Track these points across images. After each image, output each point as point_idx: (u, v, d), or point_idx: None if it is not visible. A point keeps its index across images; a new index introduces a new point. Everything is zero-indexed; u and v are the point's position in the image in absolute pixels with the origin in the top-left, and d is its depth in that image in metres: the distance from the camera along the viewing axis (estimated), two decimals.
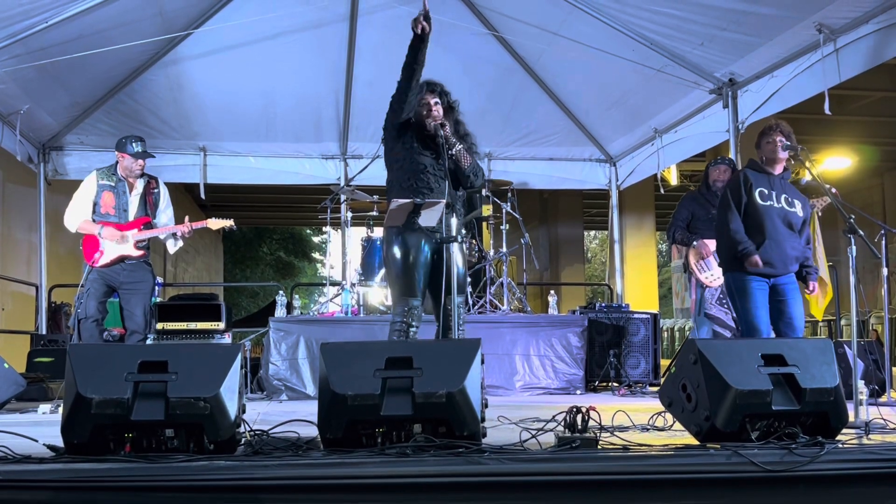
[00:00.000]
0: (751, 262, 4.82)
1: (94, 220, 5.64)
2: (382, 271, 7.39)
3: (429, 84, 4.58)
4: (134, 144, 5.67)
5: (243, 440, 3.12)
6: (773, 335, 4.85)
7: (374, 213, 7.83)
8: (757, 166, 5.04)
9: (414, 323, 4.46)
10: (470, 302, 7.39)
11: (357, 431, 3.00)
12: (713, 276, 6.13)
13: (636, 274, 13.92)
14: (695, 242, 6.20)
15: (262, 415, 4.82)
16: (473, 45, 7.86)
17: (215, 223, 5.89)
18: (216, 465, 2.72)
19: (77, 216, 5.68)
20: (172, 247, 5.83)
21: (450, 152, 4.44)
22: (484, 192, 8.13)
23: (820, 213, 6.13)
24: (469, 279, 7.27)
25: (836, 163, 15.06)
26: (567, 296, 14.31)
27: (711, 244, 6.12)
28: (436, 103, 4.53)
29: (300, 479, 2.70)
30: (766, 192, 4.90)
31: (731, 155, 6.90)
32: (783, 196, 4.93)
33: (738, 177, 5.06)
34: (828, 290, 6.57)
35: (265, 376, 6.64)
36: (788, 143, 4.84)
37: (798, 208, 4.95)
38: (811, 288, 5.06)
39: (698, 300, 6.24)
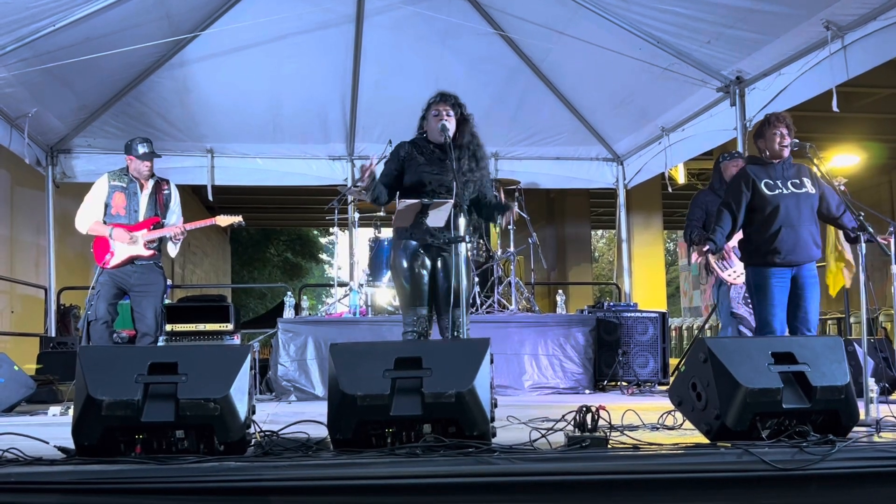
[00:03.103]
0: (699, 250, 4.96)
1: (104, 222, 5.66)
2: (390, 272, 7.39)
3: (443, 95, 4.57)
4: (140, 146, 5.70)
5: (253, 441, 3.12)
6: (787, 333, 4.80)
7: (382, 214, 7.83)
8: (757, 161, 4.98)
9: (424, 332, 4.45)
10: (477, 301, 7.38)
11: (367, 432, 3.00)
12: (736, 273, 6.02)
13: (644, 273, 13.87)
14: None
15: (271, 416, 4.83)
16: (479, 45, 7.85)
17: (224, 219, 5.92)
18: (226, 466, 2.72)
19: (88, 218, 5.71)
20: (172, 250, 5.84)
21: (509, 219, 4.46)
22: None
23: None
24: (476, 279, 7.28)
25: (843, 160, 14.96)
26: (575, 295, 14.30)
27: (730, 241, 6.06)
28: (448, 115, 4.51)
29: (310, 479, 2.70)
30: (771, 182, 4.83)
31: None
32: (790, 181, 4.83)
33: (739, 176, 5.01)
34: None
35: (274, 377, 6.65)
36: (795, 140, 4.81)
37: (808, 186, 4.84)
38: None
39: (725, 299, 6.15)
